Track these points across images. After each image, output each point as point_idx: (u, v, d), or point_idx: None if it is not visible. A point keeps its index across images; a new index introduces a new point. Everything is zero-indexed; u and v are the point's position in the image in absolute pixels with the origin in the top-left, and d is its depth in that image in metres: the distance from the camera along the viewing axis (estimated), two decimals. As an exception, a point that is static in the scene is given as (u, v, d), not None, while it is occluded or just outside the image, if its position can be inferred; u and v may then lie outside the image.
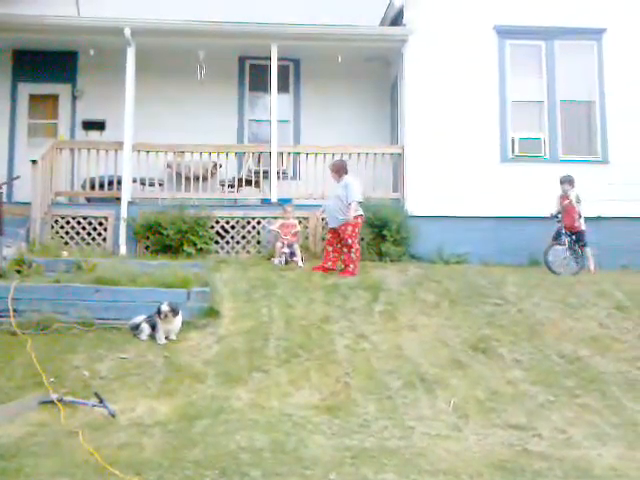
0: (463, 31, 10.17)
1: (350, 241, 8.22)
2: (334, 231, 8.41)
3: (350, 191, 8.23)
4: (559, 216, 9.06)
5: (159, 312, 6.21)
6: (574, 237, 8.95)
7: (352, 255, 8.23)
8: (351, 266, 8.20)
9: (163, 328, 6.27)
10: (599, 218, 9.48)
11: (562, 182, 9.20)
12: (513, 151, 10.17)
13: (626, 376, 6.03)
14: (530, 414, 5.27)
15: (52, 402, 4.96)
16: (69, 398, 5.04)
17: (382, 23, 11.27)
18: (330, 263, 8.40)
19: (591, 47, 10.37)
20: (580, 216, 9.06)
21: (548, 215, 9.15)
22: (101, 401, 4.92)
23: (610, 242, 9.50)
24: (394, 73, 10.99)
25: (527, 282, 8.16)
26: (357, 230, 8.32)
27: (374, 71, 11.39)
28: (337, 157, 10.02)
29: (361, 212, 8.41)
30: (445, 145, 9.95)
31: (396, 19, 10.69)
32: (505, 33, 10.26)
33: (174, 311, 6.25)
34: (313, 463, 4.14)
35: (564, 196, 9.15)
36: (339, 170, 8.58)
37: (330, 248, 8.45)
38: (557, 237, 8.98)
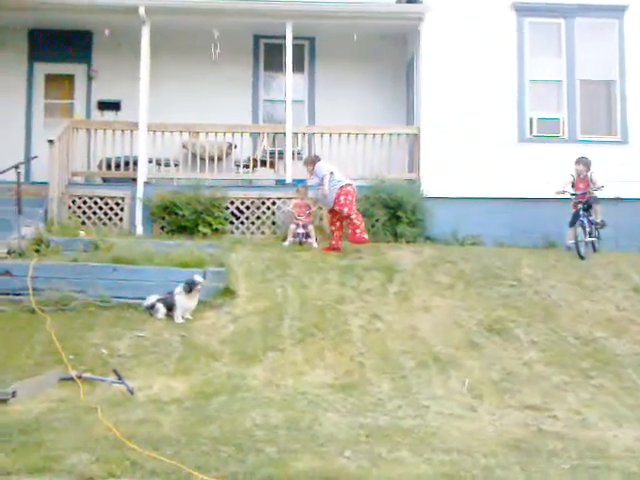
0: (481, 8, 9.98)
1: (346, 209, 8.25)
2: (332, 211, 8.54)
3: (318, 172, 8.50)
4: (577, 196, 8.82)
5: (192, 283, 6.30)
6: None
7: (355, 221, 8.25)
8: (357, 231, 8.22)
9: (184, 306, 6.34)
10: (618, 199, 9.35)
11: (578, 163, 8.95)
12: (531, 131, 10.04)
13: (642, 358, 6.00)
14: (545, 395, 5.27)
15: (72, 379, 5.05)
16: (88, 375, 5.12)
17: (399, 0, 11.11)
18: (334, 242, 8.48)
19: (612, 25, 10.15)
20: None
21: (561, 191, 8.82)
22: (120, 378, 5.00)
23: (629, 223, 9.40)
24: (410, 52, 10.86)
25: (543, 264, 8.12)
26: (349, 197, 8.33)
27: (390, 50, 11.24)
28: (352, 138, 9.98)
29: (347, 182, 8.44)
30: (462, 125, 9.83)
31: (413, -4, 10.54)
32: (524, 10, 10.06)
33: (201, 283, 6.38)
34: (328, 440, 4.18)
35: (582, 178, 8.94)
36: (313, 162, 8.73)
37: (333, 228, 8.58)
38: (575, 220, 8.72)
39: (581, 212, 8.71)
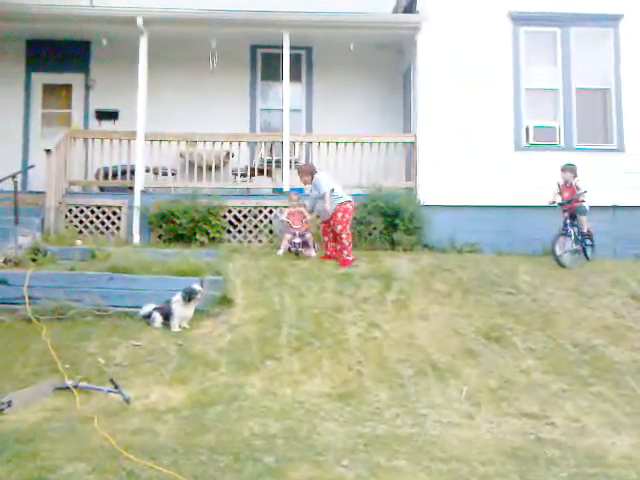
0: (477, 18, 10.05)
1: (339, 227, 8.26)
2: (326, 223, 8.56)
3: (319, 186, 8.39)
4: (563, 205, 8.72)
5: (191, 292, 6.30)
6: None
7: (344, 241, 8.25)
8: (345, 252, 8.22)
9: (181, 314, 6.33)
10: (614, 207, 9.37)
11: (564, 170, 8.81)
12: (527, 139, 10.07)
13: (640, 365, 5.99)
14: (543, 403, 5.25)
15: (67, 388, 5.02)
16: (84, 384, 5.09)
17: (395, 10, 11.20)
18: (329, 252, 8.54)
19: (607, 34, 10.21)
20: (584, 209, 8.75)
21: (547, 203, 8.78)
22: (116, 387, 4.97)
23: (625, 231, 9.45)
24: (407, 61, 10.91)
25: (540, 271, 8.12)
26: (347, 216, 8.34)
27: (387, 59, 11.31)
28: (349, 146, 10.02)
29: (348, 198, 8.41)
30: (458, 133, 9.87)
31: (409, 6, 10.62)
32: (520, 20, 10.13)
33: (200, 293, 6.36)
34: (325, 450, 4.16)
35: (569, 186, 8.80)
36: (310, 172, 8.63)
37: (326, 238, 8.63)
38: (564, 228, 8.62)
39: (567, 221, 8.62)
